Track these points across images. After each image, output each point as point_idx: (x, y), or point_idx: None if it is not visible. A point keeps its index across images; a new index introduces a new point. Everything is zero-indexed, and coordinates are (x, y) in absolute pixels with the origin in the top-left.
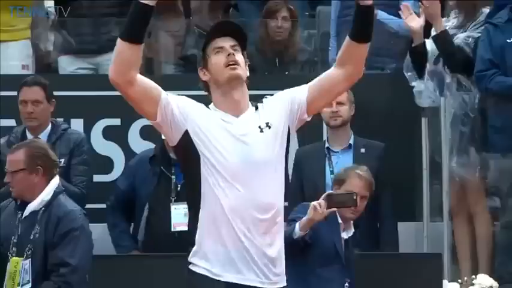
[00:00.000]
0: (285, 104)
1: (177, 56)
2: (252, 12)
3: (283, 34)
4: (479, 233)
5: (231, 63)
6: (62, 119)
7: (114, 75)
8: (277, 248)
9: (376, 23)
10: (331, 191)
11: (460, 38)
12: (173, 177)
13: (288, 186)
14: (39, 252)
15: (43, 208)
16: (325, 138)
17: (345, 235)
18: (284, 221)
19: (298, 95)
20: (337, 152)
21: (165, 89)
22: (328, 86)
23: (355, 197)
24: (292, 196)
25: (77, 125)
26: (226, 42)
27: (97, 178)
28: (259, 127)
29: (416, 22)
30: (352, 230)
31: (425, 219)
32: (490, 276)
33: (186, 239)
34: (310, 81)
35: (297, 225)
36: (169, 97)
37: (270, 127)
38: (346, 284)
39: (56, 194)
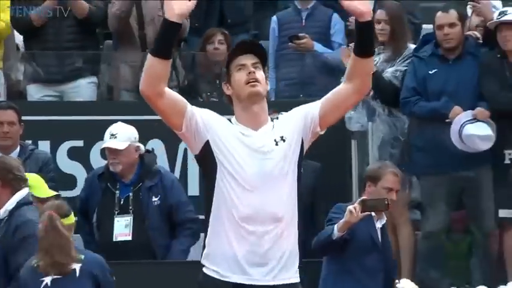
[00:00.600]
0: (299, 119)
1: (134, 84)
2: (198, 45)
3: (219, 56)
4: (402, 242)
5: (251, 80)
6: (30, 141)
7: (145, 88)
8: (286, 250)
9: (313, 54)
10: (364, 197)
11: (389, 72)
12: (117, 192)
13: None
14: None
15: (6, 217)
16: None
17: (379, 224)
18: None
19: (312, 110)
20: None
21: (124, 113)
22: (338, 101)
23: (386, 202)
24: None
25: (44, 146)
26: (248, 60)
27: (62, 194)
28: (275, 140)
29: None
30: (385, 218)
31: None
32: (412, 281)
33: (129, 248)
34: None
35: (335, 227)
36: (194, 109)
37: (284, 140)
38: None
39: (19, 205)
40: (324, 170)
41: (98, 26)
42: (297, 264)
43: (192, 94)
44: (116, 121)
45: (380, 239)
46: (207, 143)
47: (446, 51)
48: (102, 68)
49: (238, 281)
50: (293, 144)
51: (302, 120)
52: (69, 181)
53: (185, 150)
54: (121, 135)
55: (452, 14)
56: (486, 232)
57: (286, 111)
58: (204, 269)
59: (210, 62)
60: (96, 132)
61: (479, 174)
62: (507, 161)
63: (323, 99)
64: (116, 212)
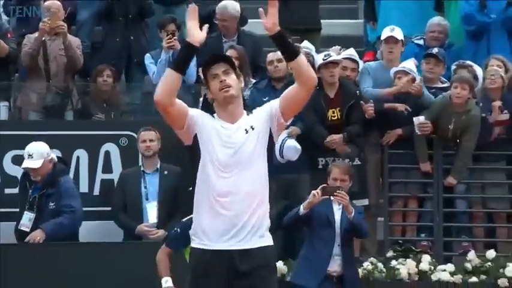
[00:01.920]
0: (265, 112)
1: (39, 106)
2: (92, 77)
3: (107, 86)
4: None
5: (224, 87)
6: None
7: (160, 98)
8: (258, 219)
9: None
10: (324, 184)
11: None
12: (30, 191)
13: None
14: None
15: None
16: (140, 163)
17: (339, 206)
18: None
19: (274, 104)
20: (149, 173)
21: (30, 129)
22: (290, 96)
23: (341, 190)
24: (116, 204)
25: None
26: (219, 69)
27: None
28: (246, 129)
29: None
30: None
31: None
32: None
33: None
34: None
35: (301, 206)
36: (190, 111)
37: (253, 129)
38: (338, 244)
39: None
40: (184, 173)
41: (12, 63)
42: (267, 230)
43: (84, 115)
44: (24, 136)
45: (339, 217)
46: (196, 136)
47: (275, 81)
48: (14, 95)
49: (221, 248)
50: (262, 131)
51: (268, 113)
52: None
53: (78, 157)
54: (36, 154)
55: (280, 53)
56: None
57: None
58: (191, 242)
59: (100, 90)
60: (9, 144)
61: (300, 176)
62: (320, 166)
63: (281, 96)
64: (26, 207)
